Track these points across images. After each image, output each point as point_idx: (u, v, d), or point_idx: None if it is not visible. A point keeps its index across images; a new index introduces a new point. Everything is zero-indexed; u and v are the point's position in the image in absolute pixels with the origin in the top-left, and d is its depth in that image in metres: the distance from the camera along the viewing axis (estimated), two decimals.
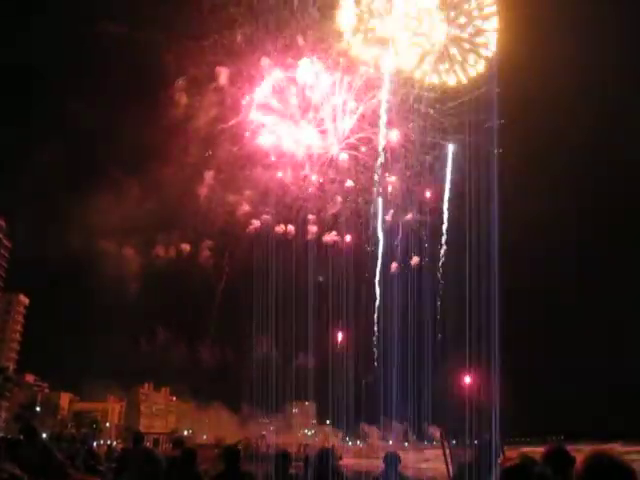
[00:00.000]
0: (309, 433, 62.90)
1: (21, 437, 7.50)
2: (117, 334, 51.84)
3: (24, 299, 63.03)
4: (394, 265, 45.71)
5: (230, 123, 44.47)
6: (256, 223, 45.93)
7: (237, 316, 49.50)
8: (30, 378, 62.97)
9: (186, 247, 48.89)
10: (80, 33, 45.70)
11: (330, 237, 45.89)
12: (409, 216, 45.39)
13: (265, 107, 45.52)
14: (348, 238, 45.77)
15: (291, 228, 46.04)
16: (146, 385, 66.47)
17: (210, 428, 56.99)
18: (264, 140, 45.10)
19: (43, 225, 46.11)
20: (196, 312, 50.16)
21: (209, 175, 46.40)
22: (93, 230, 46.90)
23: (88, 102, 45.39)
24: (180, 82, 44.52)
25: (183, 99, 45.21)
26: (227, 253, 47.36)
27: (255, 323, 52.03)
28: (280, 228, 45.63)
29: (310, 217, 45.91)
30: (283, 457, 7.27)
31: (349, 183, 45.38)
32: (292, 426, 61.75)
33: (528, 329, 47.11)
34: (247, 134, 44.81)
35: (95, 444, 50.46)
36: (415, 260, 45.53)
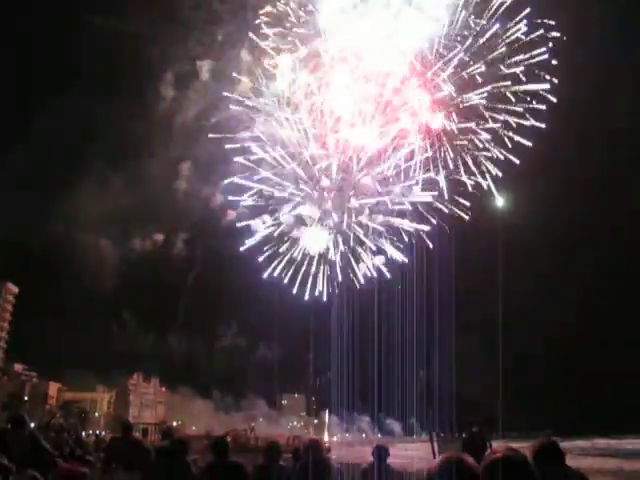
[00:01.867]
0: (298, 425, 63.13)
1: (9, 426, 7.47)
2: (106, 325, 52.13)
3: (13, 287, 62.62)
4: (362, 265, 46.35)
5: (211, 119, 45.42)
6: (232, 214, 46.98)
7: (208, 306, 50.31)
8: (18, 367, 62.70)
9: (161, 239, 49.95)
10: (62, 24, 45.39)
11: (300, 232, 46.39)
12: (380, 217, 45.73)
13: (245, 103, 46.28)
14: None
15: (266, 219, 46.59)
16: (135, 375, 66.37)
17: (199, 419, 57.10)
18: (244, 135, 46.01)
19: (27, 214, 46.21)
20: (170, 302, 50.77)
21: (188, 170, 47.28)
22: (77, 221, 47.34)
23: (72, 92, 45.33)
24: (165, 76, 44.86)
25: (167, 93, 45.60)
26: (200, 244, 48.28)
27: (225, 314, 53.00)
28: (255, 222, 46.52)
29: (285, 208, 46.66)
30: (273, 449, 7.29)
31: (325, 182, 45.93)
32: (281, 418, 62.01)
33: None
34: (227, 129, 45.83)
35: (84, 434, 50.41)
36: (379, 259, 45.76)
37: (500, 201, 38.52)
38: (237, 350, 54.04)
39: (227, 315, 53.23)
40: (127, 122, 44.91)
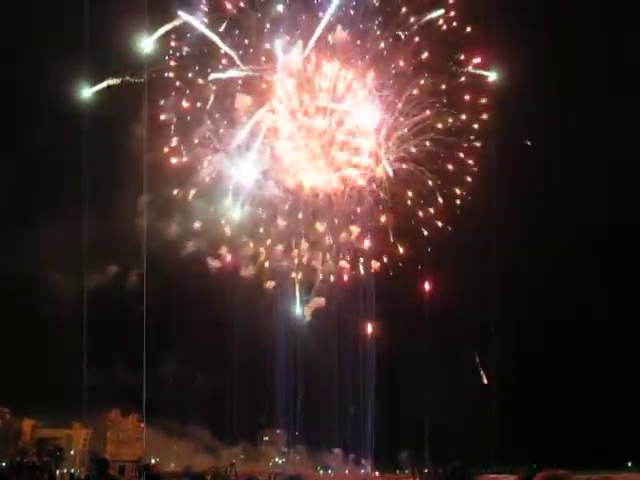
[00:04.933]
0: (279, 461, 62.13)
1: None
2: (68, 358, 51.59)
3: None
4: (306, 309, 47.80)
5: (173, 160, 47.07)
6: (189, 247, 48.19)
7: (156, 338, 50.11)
8: None
9: (115, 272, 50.53)
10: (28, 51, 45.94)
11: (248, 271, 47.94)
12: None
13: (206, 144, 48.18)
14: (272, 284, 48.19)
15: (223, 255, 48.05)
16: (113, 411, 65.04)
17: (179, 456, 56.07)
18: (205, 174, 47.80)
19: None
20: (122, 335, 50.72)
21: (148, 206, 48.45)
22: (42, 257, 47.67)
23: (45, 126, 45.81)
24: (137, 115, 45.75)
25: (134, 131, 46.54)
26: (153, 279, 48.90)
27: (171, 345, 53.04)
28: (213, 261, 47.97)
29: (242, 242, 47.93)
30: None
31: (281, 223, 47.64)
32: (261, 454, 61.03)
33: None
34: (198, 169, 47.38)
35: (58, 472, 49.18)
36: (319, 301, 47.40)
37: None
38: (182, 381, 53.76)
39: (173, 347, 53.25)
40: (92, 157, 45.37)
